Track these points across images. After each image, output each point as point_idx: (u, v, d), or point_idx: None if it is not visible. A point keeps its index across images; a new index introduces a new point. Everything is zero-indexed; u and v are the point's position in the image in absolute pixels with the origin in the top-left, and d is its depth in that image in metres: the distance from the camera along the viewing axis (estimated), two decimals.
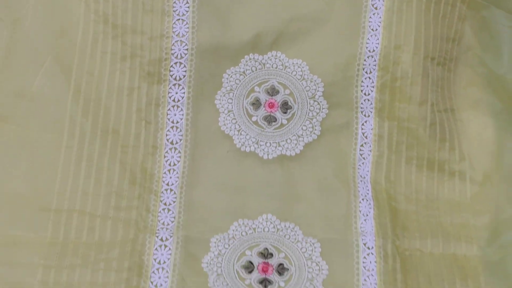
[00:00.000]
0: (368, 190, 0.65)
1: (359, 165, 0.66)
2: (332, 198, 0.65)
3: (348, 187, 0.65)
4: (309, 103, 0.66)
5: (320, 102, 0.66)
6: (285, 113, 0.66)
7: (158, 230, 0.63)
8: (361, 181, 0.65)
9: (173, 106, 0.66)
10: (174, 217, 0.64)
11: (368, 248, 0.63)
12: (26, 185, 0.63)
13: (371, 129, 0.66)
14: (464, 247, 0.64)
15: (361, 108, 0.67)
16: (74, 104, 0.65)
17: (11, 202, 0.62)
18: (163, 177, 0.65)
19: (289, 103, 0.66)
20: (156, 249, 0.62)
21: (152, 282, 0.61)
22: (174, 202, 0.64)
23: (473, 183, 0.66)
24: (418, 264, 0.62)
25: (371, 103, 0.66)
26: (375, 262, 0.62)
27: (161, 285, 0.60)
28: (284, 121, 0.66)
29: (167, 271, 0.61)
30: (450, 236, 0.64)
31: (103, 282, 0.60)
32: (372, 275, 0.61)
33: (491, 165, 0.66)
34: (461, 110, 0.68)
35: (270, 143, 0.66)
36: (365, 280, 0.61)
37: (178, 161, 0.66)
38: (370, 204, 0.64)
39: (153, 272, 0.61)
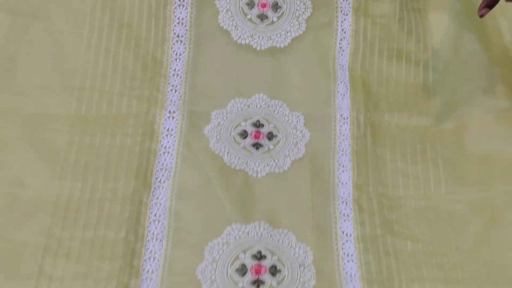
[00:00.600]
0: (346, 75, 0.79)
1: (339, 56, 0.80)
2: (315, 82, 0.79)
3: (329, 73, 0.79)
4: (296, 4, 0.81)
5: (305, 2, 0.81)
6: (276, 12, 0.81)
7: (167, 105, 0.77)
8: (340, 68, 0.80)
9: (179, 5, 0.81)
10: (180, 96, 0.78)
11: (344, 118, 0.77)
12: (53, 70, 0.77)
13: (349, 26, 0.81)
14: (425, 120, 0.78)
15: (341, 7, 0.81)
16: (93, 2, 0.80)
17: (41, 84, 0.76)
18: (170, 64, 0.80)
19: (279, 4, 0.81)
20: (165, 119, 0.76)
21: (162, 145, 0.75)
22: (180, 84, 0.79)
23: (435, 71, 0.80)
24: (386, 132, 0.77)
25: (349, 3, 0.81)
26: (349, 129, 0.76)
27: (169, 147, 0.74)
28: (275, 19, 0.80)
29: (174, 137, 0.75)
30: (414, 111, 0.78)
31: (120, 144, 0.74)
32: (346, 139, 0.75)
33: (450, 55, 0.80)
34: (426, 11, 0.83)
35: (262, 36, 0.80)
36: (340, 143, 0.75)
37: (184, 52, 0.80)
38: (347, 86, 0.79)
39: (163, 137, 0.75)
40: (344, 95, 0.77)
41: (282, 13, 0.79)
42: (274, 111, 0.76)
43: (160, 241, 0.64)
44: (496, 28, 0.81)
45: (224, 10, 0.78)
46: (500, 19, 0.82)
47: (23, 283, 0.60)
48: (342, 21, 0.79)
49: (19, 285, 0.60)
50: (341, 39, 0.79)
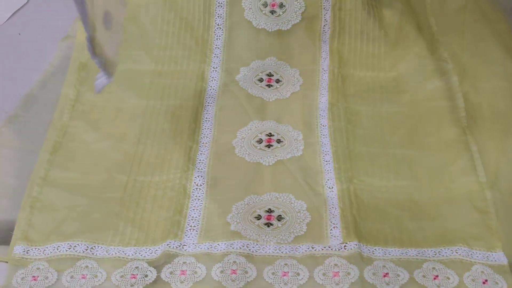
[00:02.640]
0: (327, 47, 1.30)
1: (323, 35, 1.34)
2: (306, 51, 1.30)
3: (315, 46, 1.31)
4: (294, 3, 1.41)
5: (300, 2, 1.41)
6: (281, 8, 1.41)
7: (212, 64, 1.34)
8: (323, 43, 1.33)
9: (218, 5, 1.42)
10: (220, 60, 1.33)
11: (324, 70, 1.27)
12: (139, 45, 1.37)
13: (329, 16, 1.36)
14: (376, 73, 1.32)
15: (324, 5, 1.39)
16: (163, 4, 1.40)
17: (130, 53, 1.36)
18: (214, 42, 1.34)
19: (283, 3, 1.41)
20: (211, 71, 1.29)
21: (209, 85, 1.30)
22: (220, 53, 1.33)
23: (386, 44, 1.38)
24: (351, 79, 1.27)
25: (329, 2, 1.40)
26: (327, 76, 1.28)
27: (214, 86, 1.29)
28: (281, 13, 1.41)
29: (217, 81, 1.28)
30: (369, 68, 1.33)
31: (184, 84, 1.27)
32: (325, 81, 1.26)
33: (393, 33, 1.38)
34: (381, 6, 1.43)
35: (272, 23, 1.39)
36: (321, 83, 1.29)
37: (222, 34, 1.35)
38: (327, 53, 1.29)
39: (210, 80, 1.30)
40: (325, 59, 1.34)
41: (286, 10, 1.38)
42: (280, 67, 1.33)
43: (210, 129, 1.21)
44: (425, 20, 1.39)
45: (248, 8, 1.38)
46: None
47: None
48: (325, 14, 1.38)
49: None
50: (324, 25, 1.37)
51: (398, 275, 0.90)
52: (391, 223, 0.98)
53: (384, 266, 0.91)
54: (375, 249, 0.94)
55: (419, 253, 0.93)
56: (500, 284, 0.90)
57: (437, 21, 1.33)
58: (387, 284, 0.89)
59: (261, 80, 1.25)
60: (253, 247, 0.92)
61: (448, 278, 0.91)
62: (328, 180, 1.05)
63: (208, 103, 1.20)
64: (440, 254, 0.93)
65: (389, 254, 0.93)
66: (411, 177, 1.05)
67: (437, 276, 0.90)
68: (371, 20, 1.33)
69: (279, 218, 0.98)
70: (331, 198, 1.01)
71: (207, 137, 1.12)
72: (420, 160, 1.08)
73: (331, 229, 0.97)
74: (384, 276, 0.90)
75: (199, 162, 1.07)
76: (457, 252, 0.93)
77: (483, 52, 1.29)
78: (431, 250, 0.94)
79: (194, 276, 0.90)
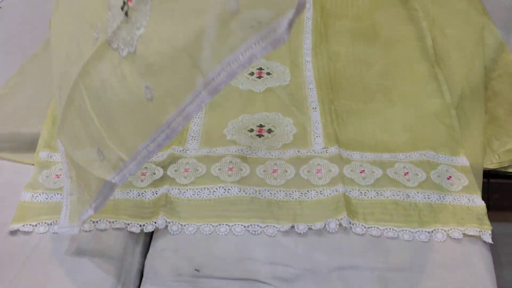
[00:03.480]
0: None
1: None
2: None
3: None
4: None
5: None
6: None
7: None
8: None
9: None
10: None
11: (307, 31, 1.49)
12: None
13: None
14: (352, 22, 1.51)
15: None
16: None
17: None
18: None
19: None
20: None
21: None
22: None
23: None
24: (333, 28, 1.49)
25: None
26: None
27: None
28: None
29: None
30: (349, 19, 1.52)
31: None
32: (308, 32, 1.48)
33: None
34: None
35: None
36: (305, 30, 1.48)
37: None
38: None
39: None
40: (309, 9, 1.45)
41: None
42: None
43: None
44: None
45: None
46: None
47: None
48: None
49: None
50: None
51: (373, 172, 1.04)
52: (368, 135, 1.12)
53: (361, 165, 1.05)
54: (353, 153, 1.08)
55: (391, 156, 1.08)
56: (462, 180, 1.03)
57: None
58: (364, 178, 1.03)
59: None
60: (246, 151, 1.07)
61: (417, 175, 1.04)
62: (312, 102, 1.19)
63: None
64: (410, 157, 1.07)
65: (365, 158, 1.07)
66: (386, 101, 1.20)
67: (407, 173, 1.04)
68: None
69: (269, 131, 1.12)
70: (314, 116, 1.16)
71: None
72: (394, 88, 1.23)
73: (314, 138, 1.11)
74: (361, 172, 1.04)
75: None
76: (425, 155, 1.07)
77: (450, 4, 1.44)
78: (402, 154, 1.08)
79: (196, 173, 1.03)
